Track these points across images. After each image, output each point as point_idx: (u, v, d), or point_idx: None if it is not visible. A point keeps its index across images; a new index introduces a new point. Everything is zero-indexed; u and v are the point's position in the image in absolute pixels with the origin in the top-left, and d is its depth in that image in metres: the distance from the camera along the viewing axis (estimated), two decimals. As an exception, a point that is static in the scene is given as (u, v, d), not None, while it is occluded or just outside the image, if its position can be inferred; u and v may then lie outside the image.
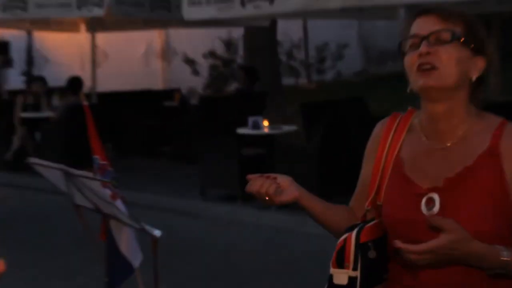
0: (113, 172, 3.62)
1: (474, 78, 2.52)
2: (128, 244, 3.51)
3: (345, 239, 2.55)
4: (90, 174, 3.51)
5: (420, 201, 2.51)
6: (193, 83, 22.16)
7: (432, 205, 2.49)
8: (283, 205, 2.77)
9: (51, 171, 3.59)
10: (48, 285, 7.63)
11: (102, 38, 19.94)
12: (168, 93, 17.53)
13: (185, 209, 11.18)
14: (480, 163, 2.48)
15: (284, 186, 2.71)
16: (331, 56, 24.85)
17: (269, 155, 10.91)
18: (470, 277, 2.47)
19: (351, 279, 2.53)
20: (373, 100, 15.52)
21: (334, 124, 10.43)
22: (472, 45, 2.53)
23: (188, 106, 15.41)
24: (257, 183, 2.67)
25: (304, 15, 13.71)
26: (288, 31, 24.65)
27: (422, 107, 2.62)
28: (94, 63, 15.53)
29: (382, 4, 9.21)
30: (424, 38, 2.50)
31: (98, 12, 13.21)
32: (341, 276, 2.54)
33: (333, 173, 10.14)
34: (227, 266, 8.41)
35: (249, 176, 2.72)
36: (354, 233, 2.54)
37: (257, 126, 11.29)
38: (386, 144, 2.72)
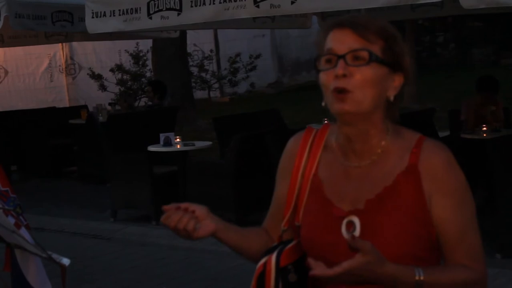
0: (16, 199, 3.51)
1: (392, 97, 2.52)
2: (35, 274, 3.46)
3: (264, 264, 2.53)
4: None
5: (340, 224, 2.51)
6: (100, 99, 22.04)
7: (353, 229, 2.49)
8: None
9: None
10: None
11: (1, 53, 19.75)
12: (74, 110, 17.43)
13: (96, 232, 11.07)
14: (399, 183, 2.50)
15: (201, 218, 2.64)
16: (243, 67, 24.98)
17: (182, 173, 10.91)
18: None
19: None
20: (289, 111, 15.70)
21: (249, 138, 10.46)
22: (391, 62, 2.50)
23: (96, 123, 15.27)
24: (174, 218, 2.58)
25: (215, 25, 13.67)
26: (199, 42, 24.74)
27: (337, 126, 2.61)
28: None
29: (294, 12, 9.26)
30: (341, 57, 2.47)
31: (-5, 25, 13.07)
32: None
33: (249, 190, 10.19)
34: None
35: (165, 207, 2.63)
36: (273, 257, 2.54)
37: (169, 142, 11.27)
38: (302, 162, 2.71)
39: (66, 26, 13.83)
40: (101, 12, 10.88)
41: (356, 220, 2.49)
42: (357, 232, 2.47)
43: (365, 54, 2.46)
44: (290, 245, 2.58)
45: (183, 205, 2.65)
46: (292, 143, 2.77)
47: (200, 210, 2.65)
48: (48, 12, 13.63)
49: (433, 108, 13.70)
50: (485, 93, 11.46)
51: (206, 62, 25.17)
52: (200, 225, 2.61)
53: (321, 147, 2.69)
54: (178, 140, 11.36)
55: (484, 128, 10.81)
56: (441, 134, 12.05)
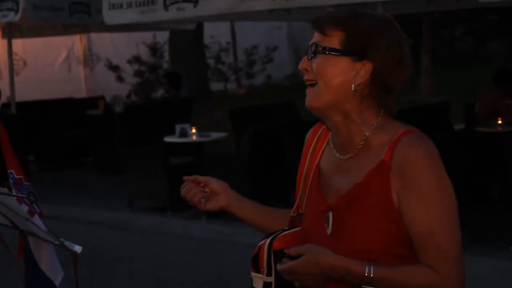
0: (30, 187, 3.51)
1: (354, 86, 2.49)
2: (48, 261, 3.46)
3: (260, 246, 2.58)
4: (4, 190, 3.42)
5: (325, 217, 2.56)
6: (117, 90, 22.09)
7: (327, 223, 2.56)
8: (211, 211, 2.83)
9: None
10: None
11: (20, 44, 19.81)
12: (91, 101, 17.39)
13: (112, 222, 11.13)
14: (370, 179, 2.49)
15: (215, 193, 2.78)
16: (260, 59, 25.00)
17: (197, 164, 10.92)
18: None
19: (266, 284, 2.58)
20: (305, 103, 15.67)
21: (265, 130, 10.46)
22: (353, 52, 2.50)
23: (113, 114, 15.30)
24: (186, 189, 2.77)
25: (231, 17, 13.72)
26: (216, 34, 24.77)
27: None
28: (12, 71, 15.37)
29: (309, 5, 9.26)
30: (305, 53, 2.56)
31: (13, 17, 13.12)
32: (257, 281, 2.60)
33: (264, 181, 10.20)
34: (156, 278, 8.44)
35: (184, 178, 2.79)
36: (268, 240, 2.57)
37: (185, 133, 11.30)
38: (308, 153, 2.76)
39: (83, 17, 13.88)
40: (118, 4, 10.91)
41: (330, 216, 2.54)
42: (329, 227, 2.54)
43: (318, 46, 2.51)
44: (289, 231, 2.62)
45: (200, 178, 2.78)
46: (308, 135, 2.81)
47: (215, 185, 2.79)
48: (66, 4, 13.69)
49: (448, 102, 13.65)
50: (501, 86, 11.43)
51: (222, 54, 25.21)
52: (208, 199, 2.77)
53: (326, 140, 2.72)
54: (194, 131, 11.39)
55: (499, 122, 10.79)
56: (457, 127, 12.03)
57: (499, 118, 10.83)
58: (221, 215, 9.92)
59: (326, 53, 2.50)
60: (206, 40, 21.22)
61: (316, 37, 2.55)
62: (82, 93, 20.61)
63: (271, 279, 2.56)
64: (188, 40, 19.30)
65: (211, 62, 22.73)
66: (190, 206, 9.44)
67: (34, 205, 3.42)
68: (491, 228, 9.31)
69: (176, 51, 19.90)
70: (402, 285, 2.41)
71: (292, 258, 2.45)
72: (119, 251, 9.74)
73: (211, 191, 2.79)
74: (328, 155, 2.68)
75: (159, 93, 18.64)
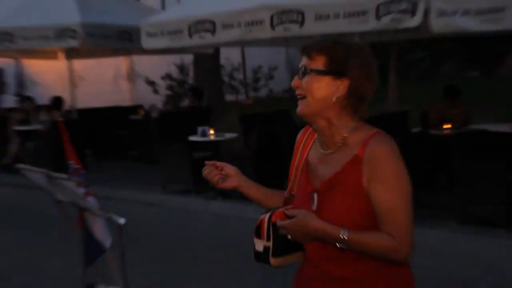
0: (85, 174, 3.62)
1: (335, 98, 2.55)
2: (99, 230, 3.54)
3: (261, 219, 2.64)
4: (66, 176, 3.51)
5: (311, 197, 2.63)
6: (153, 100, 22.11)
7: (313, 202, 2.63)
8: (226, 189, 2.89)
9: (36, 174, 3.60)
10: (43, 262, 7.62)
11: (78, 64, 19.80)
12: (133, 109, 17.42)
13: (150, 201, 11.21)
14: (346, 169, 2.54)
15: (229, 175, 2.85)
16: (264, 77, 24.92)
17: (214, 157, 10.93)
18: (332, 249, 2.54)
19: (266, 248, 2.63)
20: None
21: (266, 132, 10.52)
22: (332, 72, 2.55)
23: (150, 119, 15.35)
24: (207, 171, 2.83)
25: (241, 43, 13.71)
26: (229, 57, 24.66)
27: None
28: (72, 85, 15.45)
29: (303, 34, 9.32)
30: (296, 74, 2.63)
31: (73, 43, 13.20)
32: (259, 245, 2.66)
33: (265, 171, 10.22)
34: (183, 245, 8.47)
35: (206, 162, 2.86)
36: (268, 214, 2.63)
37: (205, 134, 11.35)
38: (299, 147, 2.80)
39: (126, 43, 13.95)
40: (153, 33, 11.00)
41: (315, 197, 2.60)
42: (314, 206, 2.61)
43: (307, 69, 2.57)
44: (283, 208, 2.65)
45: (218, 163, 2.87)
46: (299, 135, 2.85)
47: (229, 169, 2.87)
48: (113, 32, 13.76)
49: (408, 110, 13.64)
50: (450, 98, 11.44)
51: (235, 72, 25.10)
52: (224, 180, 2.83)
53: (313, 139, 2.76)
54: (211, 132, 11.42)
55: (447, 126, 10.83)
56: (414, 130, 12.04)
57: (448, 124, 10.88)
58: (233, 195, 10.03)
59: (313, 73, 2.55)
60: (222, 61, 21.12)
61: (305, 60, 2.60)
62: (126, 102, 20.52)
63: (270, 243, 2.61)
64: (208, 61, 19.26)
65: (225, 78, 22.66)
66: (209, 189, 9.51)
67: (89, 188, 3.51)
68: (439, 207, 9.37)
69: (199, 70, 19.86)
70: (367, 245, 2.45)
71: (289, 218, 2.53)
72: (155, 223, 9.83)
73: (226, 173, 2.84)
74: (314, 150, 2.72)
75: (186, 102, 18.60)
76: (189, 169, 11.25)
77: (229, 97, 23.82)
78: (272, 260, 2.65)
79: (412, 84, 24.92)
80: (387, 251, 2.47)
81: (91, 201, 3.38)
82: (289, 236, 2.56)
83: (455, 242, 8.23)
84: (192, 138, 11.45)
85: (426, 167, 10.33)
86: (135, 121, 16.06)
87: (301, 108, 2.61)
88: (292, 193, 2.78)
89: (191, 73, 22.09)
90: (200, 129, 11.46)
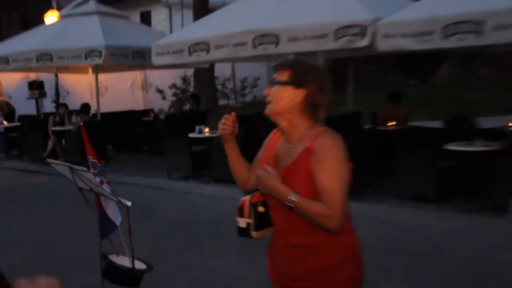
0: (101, 167, 3.59)
1: (294, 104, 2.59)
2: (111, 210, 3.53)
3: (243, 200, 2.67)
4: (85, 169, 3.50)
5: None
6: (162, 105, 22.11)
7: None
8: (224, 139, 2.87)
9: (61, 167, 3.59)
10: (71, 235, 7.60)
11: (103, 77, 19.77)
12: (145, 112, 17.39)
13: (157, 185, 11.14)
14: (299, 158, 2.57)
15: (233, 134, 2.83)
16: (249, 85, 24.88)
17: (209, 150, 10.97)
18: (293, 222, 2.57)
19: (248, 224, 2.65)
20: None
21: (251, 129, 10.50)
22: (292, 83, 2.60)
23: (158, 120, 15.36)
24: (225, 118, 2.79)
25: (230, 60, 13.65)
26: (222, 70, 24.59)
27: None
28: (98, 93, 15.39)
29: (277, 53, 9.32)
30: (269, 84, 2.67)
31: (98, 61, 13.21)
32: (242, 222, 2.67)
33: (247, 156, 10.23)
34: (183, 221, 8.44)
35: (225, 116, 2.80)
36: (248, 196, 2.66)
37: (201, 131, 11.36)
38: (272, 141, 2.82)
39: (141, 60, 13.95)
40: (160, 52, 10.97)
41: (280, 179, 2.57)
42: None
43: (276, 81, 2.63)
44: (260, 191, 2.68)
45: (235, 120, 2.80)
46: (271, 133, 2.87)
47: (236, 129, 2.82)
48: (130, 52, 13.75)
49: (361, 111, 13.67)
50: (393, 101, 11.48)
51: (226, 82, 25.06)
52: (229, 133, 2.79)
53: (281, 137, 2.76)
54: (207, 130, 11.42)
55: (392, 123, 10.87)
56: (366, 126, 12.10)
57: (392, 122, 10.92)
58: (223, 180, 10.04)
59: (279, 84, 2.60)
60: (216, 73, 21.02)
61: (275, 75, 2.65)
62: (140, 107, 20.53)
63: (251, 220, 2.65)
64: (205, 73, 19.24)
65: (219, 87, 22.56)
66: (205, 175, 9.41)
67: (104, 177, 3.50)
68: (385, 187, 9.40)
69: (198, 81, 19.83)
70: (309, 209, 2.47)
71: (263, 205, 2.65)
72: (161, 202, 9.79)
73: (234, 131, 2.81)
74: (282, 145, 2.73)
75: (187, 106, 18.55)
76: (188, 159, 11.25)
77: (222, 102, 23.77)
78: (253, 234, 2.68)
79: (365, 90, 24.93)
80: (323, 217, 2.47)
81: (105, 188, 3.37)
82: (261, 203, 2.65)
83: (397, 214, 8.25)
84: (191, 135, 11.42)
85: (375, 155, 10.37)
86: (147, 121, 16.00)
87: (268, 110, 2.64)
88: None
89: (192, 83, 22.02)
90: (197, 127, 11.47)
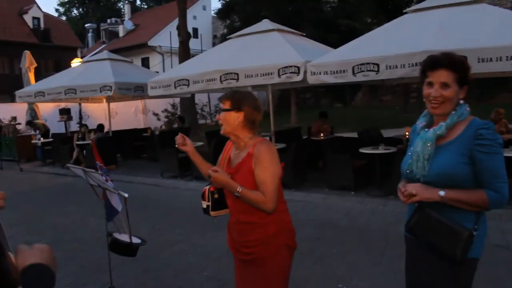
0: (106, 169, 3.55)
1: (237, 123, 2.60)
2: (115, 201, 3.49)
3: (204, 190, 2.72)
4: (94, 171, 3.46)
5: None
6: (157, 124, 21.88)
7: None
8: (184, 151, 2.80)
9: (78, 170, 3.55)
10: (87, 220, 7.49)
11: (114, 104, 19.53)
12: (145, 130, 17.24)
13: (153, 183, 10.95)
14: (244, 160, 2.58)
15: (188, 144, 2.79)
16: (220, 109, 24.92)
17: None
18: (242, 205, 2.58)
19: (207, 206, 2.69)
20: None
21: (220, 141, 10.47)
22: (234, 109, 2.60)
23: (154, 135, 15.20)
24: (178, 137, 2.79)
25: (206, 91, 13.62)
26: (201, 98, 24.59)
27: None
28: (110, 117, 15.19)
29: (238, 86, 9.33)
30: (219, 111, 2.67)
31: (109, 93, 13.03)
32: (203, 204, 2.72)
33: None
34: (171, 209, 8.34)
35: (180, 134, 2.80)
36: (208, 186, 2.70)
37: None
38: (227, 149, 2.80)
39: (141, 92, 13.76)
40: (154, 86, 10.89)
41: (230, 176, 2.57)
42: None
43: (222, 109, 2.63)
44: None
45: (184, 136, 2.81)
46: (227, 143, 2.84)
47: (189, 141, 2.80)
48: (132, 86, 13.58)
49: (300, 126, 13.80)
50: (322, 118, 11.58)
51: (203, 107, 25.06)
52: (184, 145, 2.78)
53: (232, 145, 2.76)
54: (189, 142, 11.40)
55: (321, 135, 10.97)
56: (304, 137, 12.17)
57: (322, 133, 11.01)
58: (202, 179, 9.97)
59: (224, 111, 2.61)
60: (196, 101, 21.04)
61: (221, 105, 2.66)
62: (141, 126, 20.34)
63: (209, 203, 2.68)
64: (188, 101, 19.19)
65: (198, 111, 22.57)
66: (188, 175, 9.23)
67: (108, 176, 3.47)
68: (318, 180, 9.46)
69: (183, 106, 19.75)
70: (250, 197, 2.48)
71: (218, 193, 2.67)
72: (156, 195, 9.64)
73: (187, 143, 2.79)
74: (233, 151, 2.72)
75: (175, 125, 18.46)
76: (176, 163, 11.13)
77: (201, 121, 23.73)
78: (211, 213, 2.70)
79: (304, 111, 25.15)
80: (260, 203, 2.50)
81: (109, 184, 3.33)
82: (216, 192, 2.66)
83: (327, 199, 8.28)
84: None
85: (310, 157, 10.46)
86: (145, 136, 15.79)
87: (222, 131, 2.66)
88: None
89: (179, 108, 21.90)
90: (182, 140, 11.41)
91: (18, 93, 15.13)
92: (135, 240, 3.39)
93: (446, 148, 2.26)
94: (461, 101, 2.36)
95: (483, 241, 2.29)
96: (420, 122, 2.50)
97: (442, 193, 2.17)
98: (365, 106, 27.61)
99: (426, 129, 2.40)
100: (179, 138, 2.80)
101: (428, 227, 2.23)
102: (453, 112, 2.33)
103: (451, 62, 2.32)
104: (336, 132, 12.29)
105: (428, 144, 2.31)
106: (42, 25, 35.39)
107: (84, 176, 3.44)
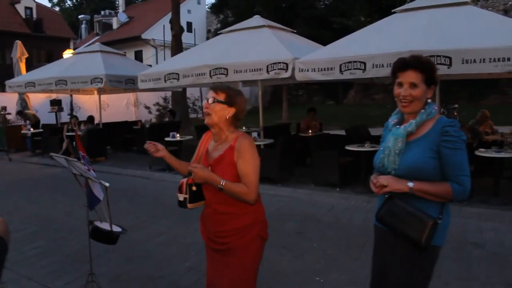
0: (87, 159, 3.60)
1: (227, 117, 2.66)
2: (96, 190, 3.55)
3: (182, 182, 2.69)
4: (75, 159, 3.52)
5: (207, 167, 2.66)
6: (148, 117, 21.92)
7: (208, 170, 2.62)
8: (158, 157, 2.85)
9: (60, 159, 3.61)
10: (74, 210, 7.55)
11: (106, 97, 19.57)
12: (135, 122, 17.28)
13: (142, 175, 11.00)
14: (225, 153, 2.64)
15: (160, 149, 2.84)
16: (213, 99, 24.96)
17: (179, 149, 10.94)
18: (221, 196, 2.63)
19: (185, 198, 2.68)
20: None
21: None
22: (226, 102, 2.65)
23: (144, 128, 15.21)
24: (146, 145, 2.83)
25: (196, 86, 13.64)
26: (192, 92, 24.62)
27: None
28: (100, 109, 15.22)
29: (227, 81, 9.40)
30: (207, 100, 2.67)
31: (100, 85, 13.04)
32: (180, 197, 2.70)
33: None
34: (159, 200, 8.38)
35: (147, 142, 2.84)
36: (185, 179, 2.67)
37: (174, 136, 11.30)
38: (203, 142, 2.85)
39: (132, 85, 13.77)
40: (144, 79, 10.92)
41: (209, 168, 2.64)
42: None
43: (214, 99, 2.65)
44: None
45: (154, 143, 2.85)
46: (203, 135, 2.90)
47: (160, 146, 2.85)
48: (123, 79, 13.60)
49: (290, 122, 13.89)
50: (311, 115, 11.66)
51: (195, 101, 25.07)
52: (157, 151, 2.82)
53: (210, 137, 2.82)
54: (178, 135, 11.37)
55: (310, 131, 11.07)
56: (293, 133, 12.26)
57: (310, 130, 11.11)
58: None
59: (218, 102, 2.64)
60: (188, 95, 21.07)
61: (212, 93, 2.67)
62: (133, 118, 20.35)
63: (187, 196, 2.67)
64: (180, 95, 19.22)
65: (190, 105, 22.59)
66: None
67: (90, 166, 3.52)
68: (305, 176, 9.55)
69: (175, 100, 19.78)
70: (233, 190, 2.55)
71: (196, 186, 2.67)
72: (144, 187, 9.68)
73: (158, 148, 2.84)
74: (211, 143, 2.78)
75: (166, 118, 18.51)
76: (165, 156, 11.16)
77: (192, 115, 23.72)
78: (189, 205, 2.70)
79: (295, 108, 25.23)
80: (244, 194, 2.57)
81: (91, 173, 3.39)
82: (194, 184, 2.64)
83: (313, 195, 8.36)
84: (167, 138, 11.35)
85: (299, 154, 10.55)
86: (136, 129, 15.82)
87: (208, 120, 2.69)
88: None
89: (170, 102, 21.91)
90: (171, 133, 11.43)
91: (8, 83, 15.12)
92: (116, 228, 3.46)
93: (415, 143, 2.43)
94: (429, 100, 2.51)
95: (445, 231, 2.46)
96: (392, 120, 2.65)
97: (411, 184, 2.33)
98: (357, 104, 27.75)
99: (398, 126, 2.54)
100: (150, 146, 2.85)
101: (396, 215, 2.39)
102: (422, 110, 2.51)
103: (419, 63, 2.49)
104: (326, 129, 12.41)
105: (399, 140, 2.47)
106: (34, 15, 35.16)
107: (67, 165, 3.50)
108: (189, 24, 36.01)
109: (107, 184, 3.15)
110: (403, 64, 2.49)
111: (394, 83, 2.54)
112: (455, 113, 19.53)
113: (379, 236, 2.62)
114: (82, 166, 3.27)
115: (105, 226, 3.45)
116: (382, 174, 2.48)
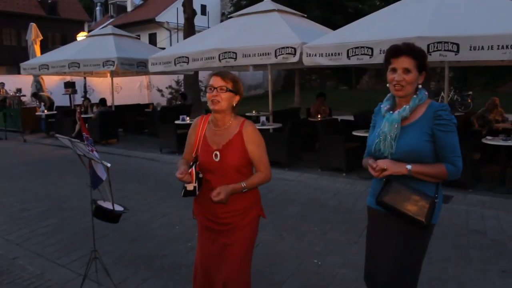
0: (91, 140, 3.69)
1: (234, 104, 2.76)
2: (99, 170, 3.64)
3: (191, 171, 2.76)
4: (78, 141, 3.61)
5: (212, 155, 2.75)
6: (160, 100, 22.07)
7: (217, 156, 2.74)
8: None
9: (65, 140, 3.71)
10: (85, 190, 7.72)
11: (119, 79, 19.75)
12: (147, 105, 17.43)
13: (152, 158, 11.13)
14: (235, 138, 2.75)
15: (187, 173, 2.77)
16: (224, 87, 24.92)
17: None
18: (227, 182, 2.72)
19: (194, 187, 2.77)
20: (241, 108, 15.83)
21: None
22: (234, 91, 2.74)
23: (156, 111, 15.35)
24: (182, 177, 2.72)
25: (205, 69, 13.72)
26: (205, 75, 24.58)
27: (212, 114, 2.81)
28: (113, 92, 15.39)
29: (236, 65, 9.47)
30: (215, 88, 2.71)
31: (112, 68, 13.21)
32: (190, 186, 2.79)
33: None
34: (167, 182, 8.48)
35: (180, 175, 2.73)
36: (193, 168, 2.74)
37: (184, 119, 11.45)
38: (199, 128, 2.88)
39: (143, 68, 13.90)
40: (155, 62, 11.03)
41: (218, 153, 2.74)
42: (218, 158, 2.72)
43: (223, 87, 2.71)
44: (197, 162, 2.81)
45: (186, 173, 2.74)
46: (197, 119, 2.94)
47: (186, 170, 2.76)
48: (135, 62, 13.75)
49: (299, 107, 13.92)
50: (320, 100, 11.68)
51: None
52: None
53: (207, 122, 2.88)
54: (188, 118, 11.52)
55: (319, 116, 11.10)
56: (302, 117, 12.28)
57: (319, 115, 11.15)
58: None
59: (227, 90, 2.71)
60: (200, 78, 21.11)
61: (220, 82, 2.71)
62: (145, 101, 20.50)
63: (196, 184, 2.76)
64: (192, 78, 19.28)
65: (202, 88, 22.60)
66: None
67: (93, 147, 3.59)
68: (312, 161, 9.61)
69: (187, 83, 19.83)
70: (254, 184, 2.74)
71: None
72: (154, 169, 9.82)
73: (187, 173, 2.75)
74: (209, 129, 2.83)
75: (178, 102, 18.59)
76: (174, 139, 11.25)
77: (204, 99, 23.75)
78: (198, 193, 2.81)
79: (307, 92, 25.15)
80: (263, 181, 2.78)
81: (94, 154, 3.49)
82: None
83: (319, 180, 8.43)
84: (177, 121, 11.47)
85: (308, 139, 10.60)
86: (147, 112, 15.97)
87: (217, 107, 2.72)
88: (197, 153, 2.84)
89: (183, 85, 21.99)
90: (181, 116, 11.56)
91: (23, 65, 15.36)
92: (118, 207, 3.58)
93: (411, 128, 2.54)
94: (420, 86, 2.59)
95: (439, 210, 2.60)
96: (384, 105, 2.73)
97: (409, 167, 2.44)
98: (370, 89, 27.58)
99: (391, 112, 2.62)
100: (186, 178, 2.75)
101: (396, 197, 2.50)
102: (414, 96, 2.60)
103: (412, 50, 2.58)
104: (337, 114, 12.43)
105: (395, 125, 2.52)
106: (50, -3, 35.38)
107: (71, 146, 3.61)
108: (203, 7, 35.94)
109: (108, 165, 3.26)
110: (396, 51, 2.59)
111: (387, 69, 2.62)
112: (469, 100, 19.39)
113: (374, 218, 2.73)
114: (85, 147, 3.37)
115: (107, 205, 3.57)
116: (377, 159, 2.58)
